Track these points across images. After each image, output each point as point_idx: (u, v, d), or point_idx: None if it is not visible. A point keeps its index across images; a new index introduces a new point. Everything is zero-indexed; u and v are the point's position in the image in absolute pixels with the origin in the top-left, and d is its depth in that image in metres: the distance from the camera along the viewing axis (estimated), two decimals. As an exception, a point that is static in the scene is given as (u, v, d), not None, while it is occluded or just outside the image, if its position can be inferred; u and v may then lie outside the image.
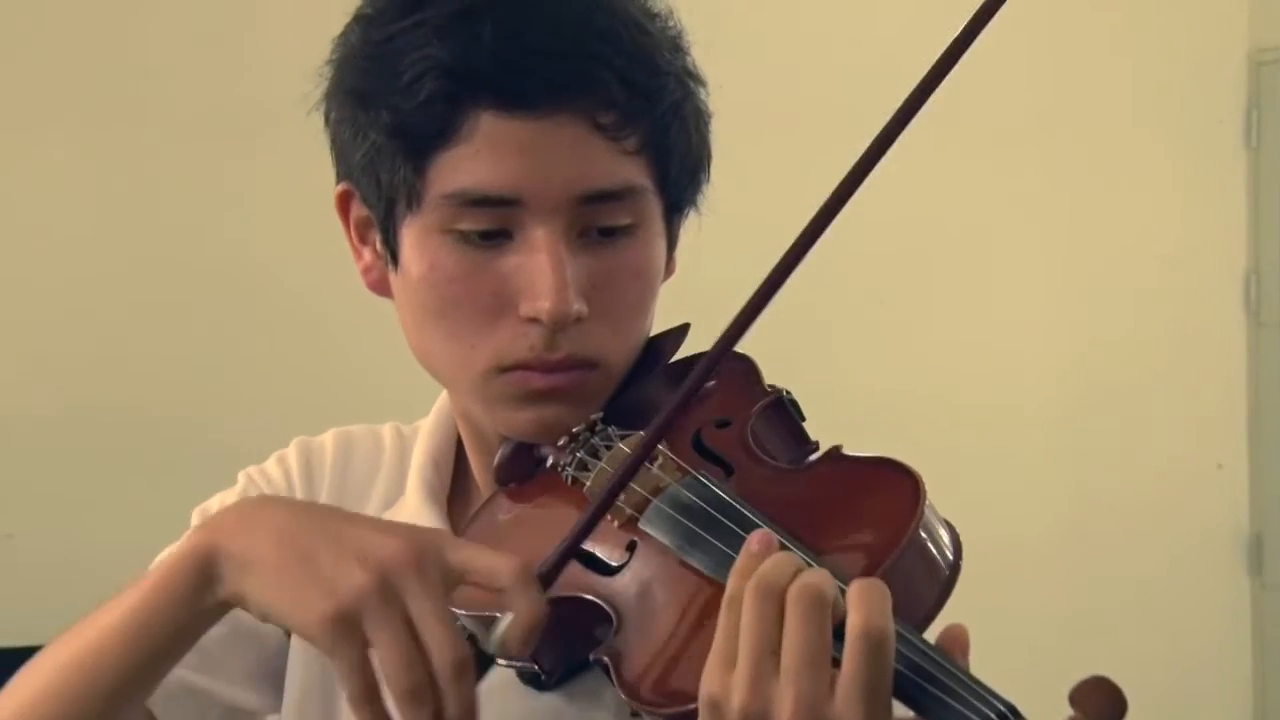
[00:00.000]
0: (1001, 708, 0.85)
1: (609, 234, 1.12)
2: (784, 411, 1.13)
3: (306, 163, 3.43)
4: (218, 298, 3.21)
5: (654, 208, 1.14)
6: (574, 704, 1.11)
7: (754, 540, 0.93)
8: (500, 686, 1.12)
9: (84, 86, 3.14)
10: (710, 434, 1.11)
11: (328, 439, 1.32)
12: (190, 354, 3.18)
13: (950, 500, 1.03)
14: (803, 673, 0.87)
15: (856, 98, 3.48)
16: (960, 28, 0.98)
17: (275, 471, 1.30)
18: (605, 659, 1.00)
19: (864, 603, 0.87)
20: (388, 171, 1.11)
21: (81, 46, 3.15)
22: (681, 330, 1.21)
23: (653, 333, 1.20)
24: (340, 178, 1.18)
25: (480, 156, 1.08)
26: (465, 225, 1.10)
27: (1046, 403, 3.73)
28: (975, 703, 0.86)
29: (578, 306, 1.09)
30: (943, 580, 0.95)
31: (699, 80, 1.17)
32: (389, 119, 1.10)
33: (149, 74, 3.16)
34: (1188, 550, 3.75)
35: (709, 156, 1.18)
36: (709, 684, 0.90)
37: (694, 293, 1.29)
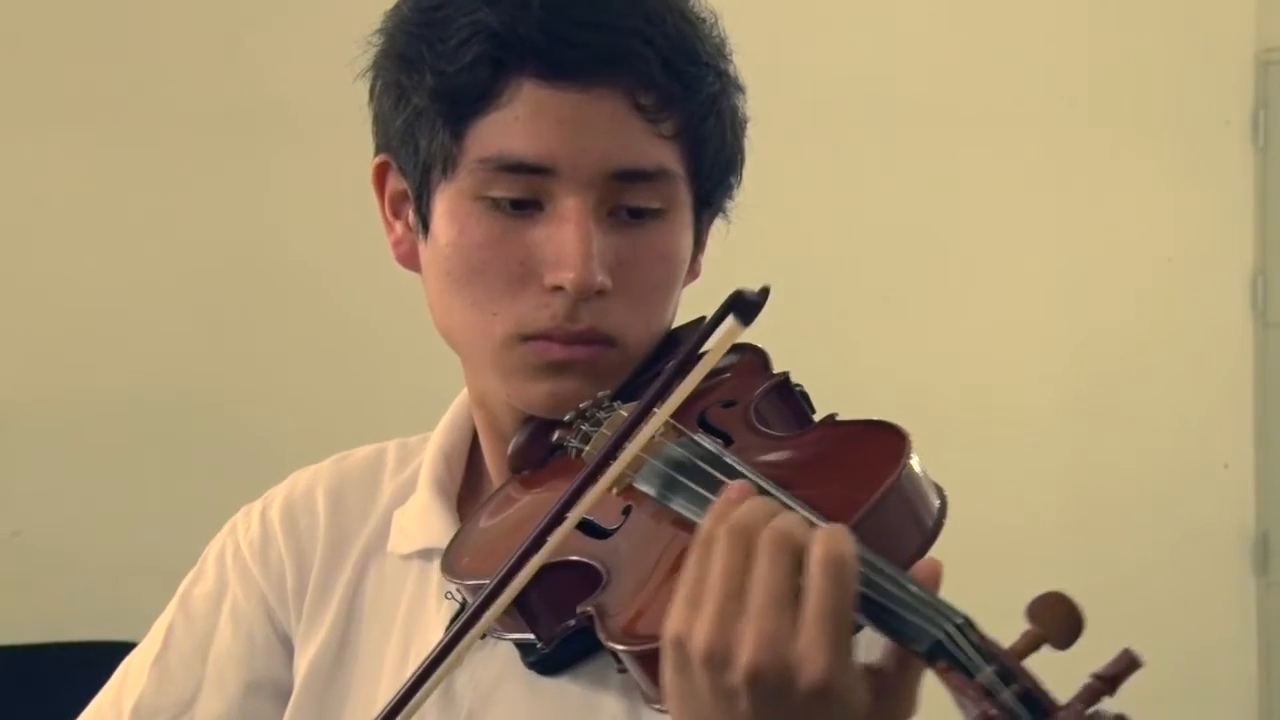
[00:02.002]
0: (959, 620, 0.87)
1: (638, 215, 1.14)
2: (788, 393, 1.15)
3: (332, 157, 3.45)
4: (232, 291, 3.21)
5: (684, 196, 1.16)
6: (580, 689, 1.12)
7: (732, 488, 0.94)
8: (507, 677, 1.15)
9: (119, 83, 3.15)
10: (715, 412, 1.13)
11: (323, 468, 1.33)
12: (202, 348, 3.18)
13: (955, 501, 1.04)
14: (767, 611, 0.88)
15: (878, 104, 3.50)
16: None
17: (255, 528, 1.30)
18: (591, 610, 1.02)
19: (826, 535, 0.88)
20: (427, 136, 1.13)
21: (117, 47, 3.15)
22: (698, 324, 1.22)
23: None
24: (379, 149, 1.20)
25: (519, 123, 1.10)
26: (497, 192, 1.12)
27: (1052, 403, 3.73)
28: (934, 615, 0.87)
29: (601, 278, 1.11)
30: (925, 532, 0.97)
31: (738, 86, 1.19)
32: (433, 82, 1.12)
33: (183, 72, 3.16)
34: (1194, 550, 3.75)
35: (742, 160, 1.21)
36: (674, 622, 0.90)
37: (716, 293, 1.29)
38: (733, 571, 0.89)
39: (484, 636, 1.12)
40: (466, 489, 1.27)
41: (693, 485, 1.02)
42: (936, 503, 0.99)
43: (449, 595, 1.18)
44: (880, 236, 3.54)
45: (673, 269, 1.17)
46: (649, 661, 0.95)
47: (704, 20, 1.17)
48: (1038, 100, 3.68)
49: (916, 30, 3.59)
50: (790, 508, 0.94)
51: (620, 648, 0.98)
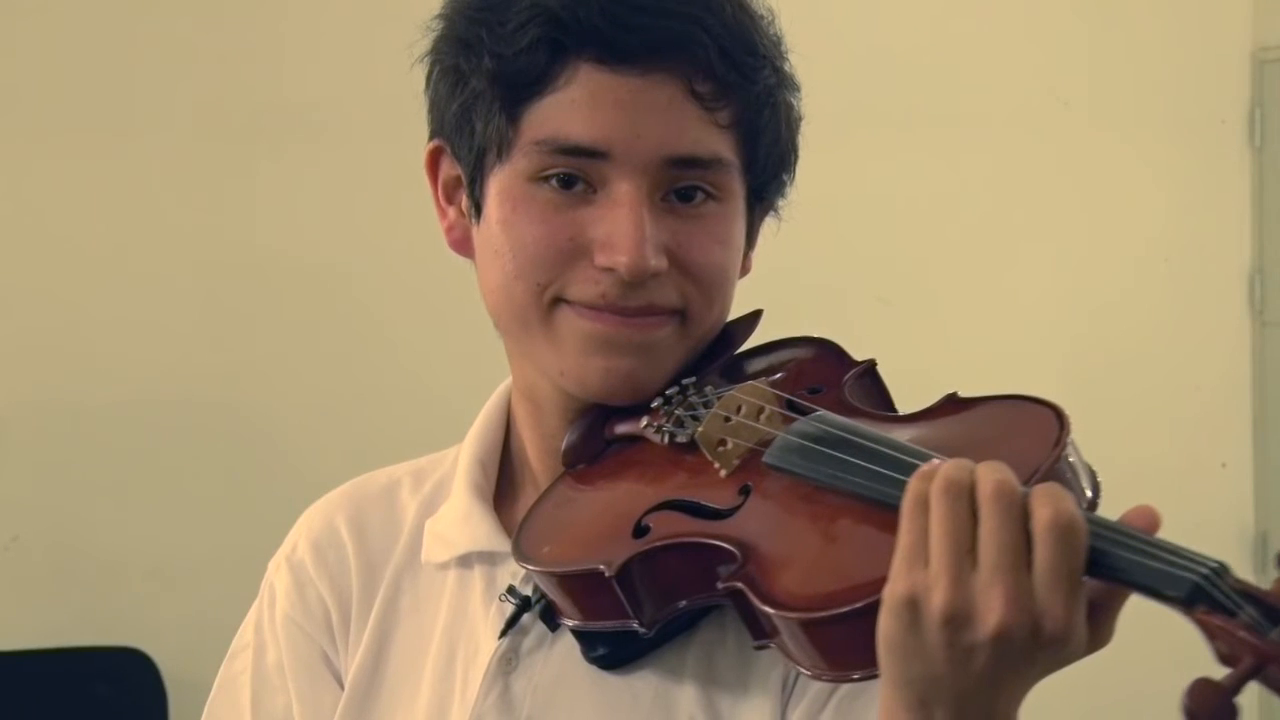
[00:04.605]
0: (1213, 563, 0.87)
1: (692, 203, 1.13)
2: (877, 379, 1.16)
3: (336, 159, 3.42)
4: (232, 295, 3.20)
5: (738, 186, 1.16)
6: (653, 683, 1.12)
7: (928, 464, 0.94)
8: (569, 676, 1.14)
9: (123, 85, 3.14)
10: (804, 398, 1.12)
11: (334, 500, 1.31)
12: (202, 353, 3.17)
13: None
14: (1009, 569, 0.88)
15: (873, 106, 3.50)
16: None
17: (288, 578, 1.27)
18: (738, 584, 1.00)
19: (1049, 497, 0.89)
20: (483, 120, 1.13)
21: (123, 49, 3.15)
22: (754, 316, 1.23)
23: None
24: (433, 135, 1.20)
25: (576, 106, 1.10)
26: (551, 174, 1.12)
27: (1050, 402, 3.72)
28: (1186, 561, 0.88)
29: (655, 262, 1.11)
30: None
31: (794, 84, 1.19)
32: (491, 65, 1.12)
33: (191, 74, 3.16)
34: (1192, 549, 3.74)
35: (796, 158, 1.20)
36: (901, 582, 0.90)
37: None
38: (958, 531, 0.89)
39: (554, 629, 1.14)
40: (498, 492, 1.26)
41: (837, 453, 1.01)
42: (1089, 488, 0.99)
43: (503, 598, 1.17)
44: (877, 238, 3.54)
45: (728, 253, 1.16)
46: (821, 628, 0.95)
47: (762, 16, 1.17)
48: (1034, 101, 3.68)
49: (912, 32, 3.59)
50: None
51: (795, 615, 0.96)
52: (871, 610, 0.92)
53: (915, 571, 0.90)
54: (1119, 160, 3.75)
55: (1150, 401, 3.75)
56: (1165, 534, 0.88)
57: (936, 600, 0.88)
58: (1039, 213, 3.70)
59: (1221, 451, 3.84)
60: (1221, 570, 0.87)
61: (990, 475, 0.90)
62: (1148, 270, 3.78)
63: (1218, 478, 3.82)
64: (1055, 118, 3.69)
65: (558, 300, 1.13)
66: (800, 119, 1.20)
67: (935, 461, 0.93)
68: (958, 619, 0.88)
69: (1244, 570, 3.87)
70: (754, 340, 1.22)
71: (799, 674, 1.01)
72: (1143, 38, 3.78)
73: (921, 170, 3.58)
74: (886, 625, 0.91)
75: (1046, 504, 0.89)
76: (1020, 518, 0.89)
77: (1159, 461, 3.73)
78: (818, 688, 1.08)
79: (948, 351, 3.60)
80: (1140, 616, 0.99)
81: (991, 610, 0.88)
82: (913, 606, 0.89)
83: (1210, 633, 0.86)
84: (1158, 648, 2.23)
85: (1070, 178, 3.72)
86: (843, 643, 0.95)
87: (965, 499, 0.90)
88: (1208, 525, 3.77)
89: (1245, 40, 3.84)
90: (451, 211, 1.21)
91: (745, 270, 1.20)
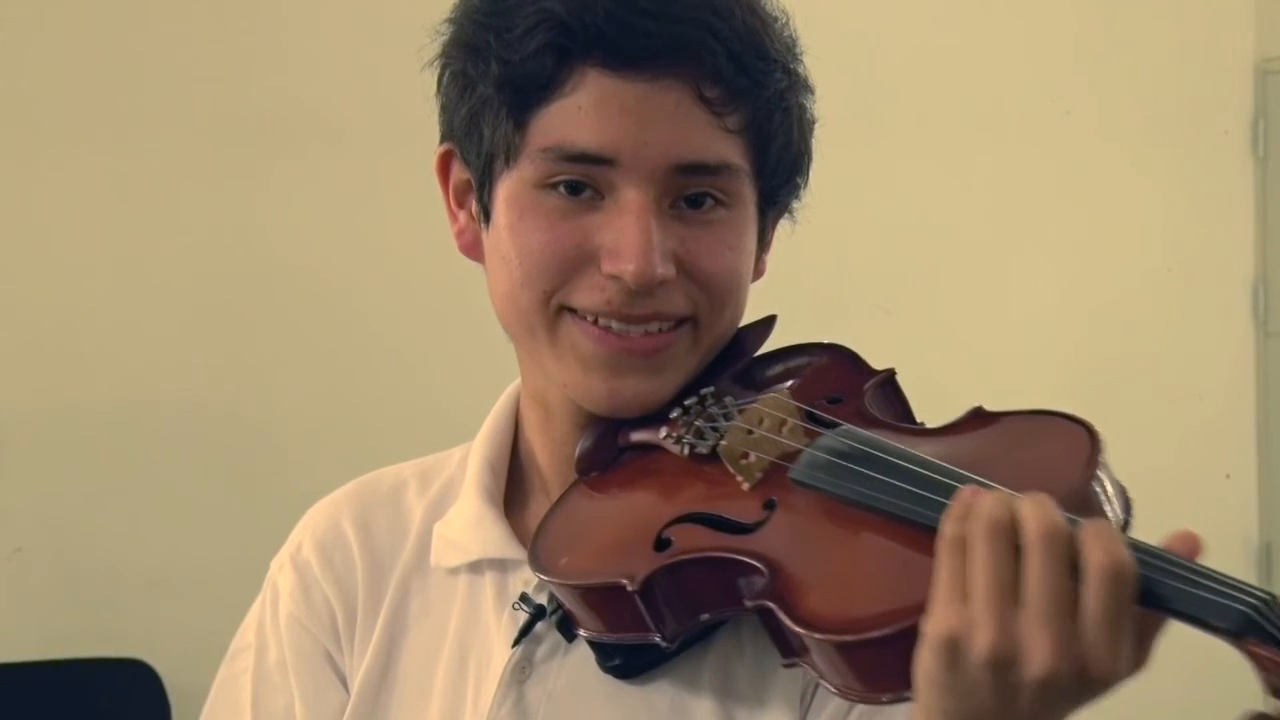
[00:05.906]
0: (1264, 594, 0.86)
1: (701, 209, 1.12)
2: (896, 389, 1.15)
3: (333, 164, 3.40)
4: (233, 303, 3.20)
5: (748, 192, 1.15)
6: (670, 693, 1.11)
7: (966, 490, 0.91)
8: (585, 685, 1.13)
9: (121, 88, 3.14)
10: (824, 408, 1.11)
11: (339, 499, 1.31)
12: (204, 362, 3.17)
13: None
14: (1054, 613, 0.86)
15: (874, 114, 3.49)
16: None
17: (292, 578, 1.27)
18: (767, 603, 0.98)
19: (1101, 540, 0.87)
20: (490, 126, 1.12)
21: (123, 53, 3.15)
22: (768, 321, 1.22)
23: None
24: (444, 138, 1.19)
25: (583, 112, 1.09)
26: (558, 180, 1.11)
27: (1054, 413, 3.71)
28: (1235, 592, 0.86)
29: (662, 270, 1.10)
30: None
31: (807, 86, 1.18)
32: (498, 70, 1.11)
33: (190, 78, 3.16)
34: (1197, 560, 3.74)
35: (809, 161, 1.20)
36: (944, 622, 0.88)
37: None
38: (1001, 572, 0.87)
39: (571, 639, 1.13)
40: (507, 497, 1.25)
41: (865, 470, 1.00)
42: (1121, 508, 0.97)
43: (516, 606, 1.16)
44: (879, 247, 3.54)
45: (739, 259, 1.15)
46: (854, 650, 0.94)
47: (775, 19, 1.16)
48: (1036, 110, 3.68)
49: (913, 40, 3.60)
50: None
51: (828, 637, 0.95)
52: (906, 635, 0.90)
53: (955, 609, 0.88)
54: (1122, 170, 3.75)
55: (1153, 411, 3.75)
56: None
57: (980, 642, 0.87)
58: (1041, 222, 3.70)
59: (1225, 462, 3.83)
60: (1272, 601, 0.86)
61: (1035, 514, 0.87)
62: (1151, 280, 3.78)
63: (1221, 488, 3.82)
64: (1058, 127, 3.69)
65: (563, 309, 1.12)
66: (814, 121, 1.19)
67: (969, 491, 0.90)
68: (1003, 661, 0.87)
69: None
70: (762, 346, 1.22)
71: (821, 688, 1.00)
72: (1145, 47, 3.78)
73: (923, 178, 3.58)
74: (926, 663, 0.89)
75: (1098, 547, 0.86)
76: (1067, 558, 0.87)
77: (1162, 472, 3.72)
78: (839, 701, 1.06)
79: (949, 361, 3.60)
80: (1176, 640, 0.98)
81: (1037, 653, 0.86)
82: (954, 647, 0.88)
83: (1260, 664, 0.85)
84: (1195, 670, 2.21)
85: (1073, 187, 3.71)
86: (876, 666, 0.94)
87: (1007, 539, 0.88)
88: (1212, 536, 3.73)
89: (1248, 51, 3.84)
90: (462, 215, 1.20)
91: (759, 274, 1.20)
